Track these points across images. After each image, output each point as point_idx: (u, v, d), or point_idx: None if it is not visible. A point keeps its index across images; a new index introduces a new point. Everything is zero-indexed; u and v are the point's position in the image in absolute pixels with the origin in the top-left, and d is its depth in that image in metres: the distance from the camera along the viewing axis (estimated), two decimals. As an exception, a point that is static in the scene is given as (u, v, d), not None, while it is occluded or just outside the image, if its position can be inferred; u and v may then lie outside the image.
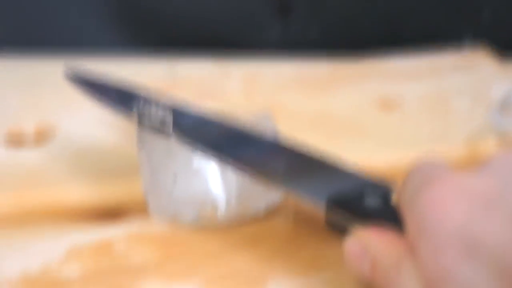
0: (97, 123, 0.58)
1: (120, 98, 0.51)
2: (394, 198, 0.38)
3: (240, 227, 0.44)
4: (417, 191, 0.34)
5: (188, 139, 0.45)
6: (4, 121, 0.59)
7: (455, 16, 0.77)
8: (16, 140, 0.58)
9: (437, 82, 0.64)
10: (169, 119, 0.44)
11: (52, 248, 0.43)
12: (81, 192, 0.50)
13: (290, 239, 0.43)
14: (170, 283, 0.40)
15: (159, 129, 0.45)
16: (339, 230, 0.38)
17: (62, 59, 0.76)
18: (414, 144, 0.54)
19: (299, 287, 0.40)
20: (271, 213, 0.45)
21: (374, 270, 0.35)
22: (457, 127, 0.57)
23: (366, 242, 0.35)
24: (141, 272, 0.41)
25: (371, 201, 0.38)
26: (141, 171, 0.46)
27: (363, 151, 0.53)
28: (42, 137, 0.58)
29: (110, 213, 0.50)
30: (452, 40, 0.75)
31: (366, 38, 0.78)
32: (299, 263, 0.41)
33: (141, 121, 0.45)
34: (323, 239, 0.43)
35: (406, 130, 0.56)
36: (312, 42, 0.78)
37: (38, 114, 0.60)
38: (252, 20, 0.80)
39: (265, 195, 0.44)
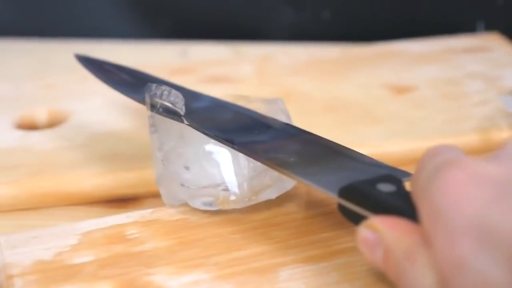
0: (110, 109, 0.58)
1: (132, 82, 0.51)
2: (407, 185, 0.38)
3: (252, 214, 0.44)
4: (432, 177, 0.33)
5: (200, 124, 0.44)
6: (17, 106, 0.60)
7: (468, 2, 0.76)
8: (29, 125, 0.58)
9: (450, 66, 0.64)
10: (181, 103, 0.44)
11: (65, 234, 0.43)
12: (94, 178, 0.50)
13: (302, 225, 0.43)
14: (183, 269, 0.40)
15: (171, 114, 0.45)
16: (352, 218, 0.38)
17: (76, 44, 0.76)
18: (427, 129, 0.54)
19: (312, 273, 0.40)
20: (283, 198, 0.45)
21: (387, 259, 0.35)
22: (470, 112, 0.56)
23: (379, 230, 0.35)
24: (154, 258, 0.41)
25: (384, 189, 0.37)
26: (153, 157, 0.45)
27: (375, 137, 0.53)
28: (55, 122, 0.58)
29: (123, 199, 0.50)
30: (466, 27, 0.74)
31: (378, 24, 0.78)
32: (312, 249, 0.41)
33: (153, 106, 0.45)
34: (336, 225, 0.43)
35: (419, 115, 0.56)
36: (324, 27, 0.78)
37: (52, 99, 0.61)
38: (264, 5, 0.79)
39: (277, 180, 0.44)
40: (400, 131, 0.54)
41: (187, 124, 0.44)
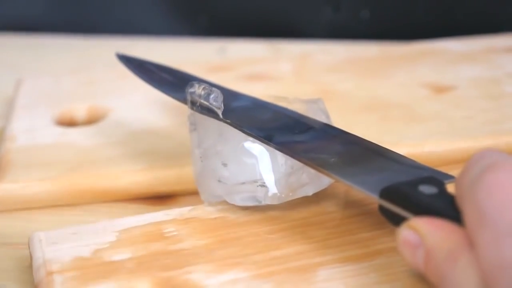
0: (150, 106, 0.58)
1: (172, 81, 0.51)
2: (451, 187, 0.37)
3: (291, 213, 0.44)
4: (477, 180, 0.33)
5: (238, 123, 0.45)
6: (57, 102, 0.60)
7: (509, 2, 0.76)
8: (68, 121, 0.58)
9: (491, 66, 0.63)
10: (220, 102, 0.44)
11: (103, 231, 0.43)
12: (133, 175, 0.50)
13: (341, 225, 0.43)
14: (221, 268, 0.40)
15: (210, 112, 0.45)
16: (393, 219, 0.38)
17: (116, 41, 0.76)
18: (467, 129, 0.53)
19: (350, 273, 0.39)
20: (321, 197, 0.45)
21: (428, 261, 0.34)
22: (511, 112, 0.56)
23: (422, 232, 0.35)
24: (192, 256, 0.41)
25: (426, 191, 0.37)
26: (192, 154, 0.46)
27: (414, 136, 0.53)
28: (94, 118, 0.58)
29: (161, 197, 0.50)
30: (507, 26, 0.74)
31: (417, 23, 0.78)
32: (351, 249, 0.41)
33: (193, 104, 0.45)
34: (375, 225, 0.43)
35: (459, 115, 0.56)
36: (363, 25, 0.78)
37: (91, 96, 0.61)
38: (303, 3, 0.79)
39: (315, 177, 0.44)
40: (440, 131, 0.53)
41: (225, 122, 0.44)
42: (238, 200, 0.44)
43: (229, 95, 0.49)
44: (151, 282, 0.39)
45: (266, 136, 0.44)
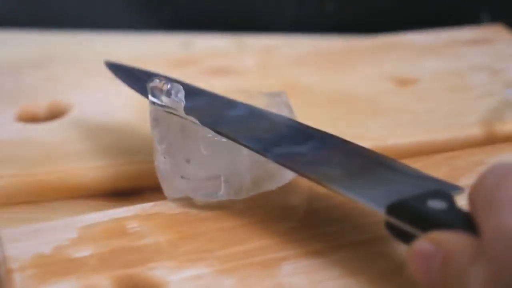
0: (112, 102, 0.57)
1: (139, 77, 0.50)
2: (461, 201, 0.36)
3: (254, 208, 0.44)
4: (494, 191, 0.32)
5: (233, 133, 0.43)
6: (17, 97, 0.59)
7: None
8: (29, 117, 0.57)
9: (454, 58, 0.63)
10: (182, 97, 0.44)
11: (65, 228, 0.43)
12: (95, 171, 0.50)
13: (305, 219, 0.43)
14: (184, 263, 0.40)
15: (171, 108, 0.44)
16: (399, 236, 0.36)
17: (77, 35, 0.76)
18: (431, 121, 0.54)
19: (315, 267, 0.39)
20: (285, 191, 0.45)
21: (445, 268, 0.33)
22: (475, 104, 0.56)
23: (439, 240, 0.33)
24: (155, 252, 0.41)
25: (435, 206, 0.35)
26: (154, 150, 0.45)
27: (379, 129, 0.53)
28: (56, 114, 0.57)
29: (125, 193, 0.50)
30: (470, 18, 0.74)
31: (381, 15, 0.78)
32: (315, 244, 0.41)
33: (154, 97, 0.44)
34: (338, 218, 0.43)
35: (423, 107, 0.56)
36: (327, 19, 0.78)
37: (52, 91, 0.60)
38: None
39: (278, 171, 0.44)
40: (403, 124, 0.53)
41: (188, 119, 0.44)
42: (201, 196, 0.44)
43: (223, 103, 0.48)
44: (113, 278, 0.39)
45: (263, 148, 0.42)
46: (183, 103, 0.44)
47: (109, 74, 0.52)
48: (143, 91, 0.47)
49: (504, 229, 0.31)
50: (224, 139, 0.43)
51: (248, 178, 0.43)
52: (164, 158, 0.44)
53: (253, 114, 0.47)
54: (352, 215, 0.43)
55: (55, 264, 0.40)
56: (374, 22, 0.77)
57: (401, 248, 0.40)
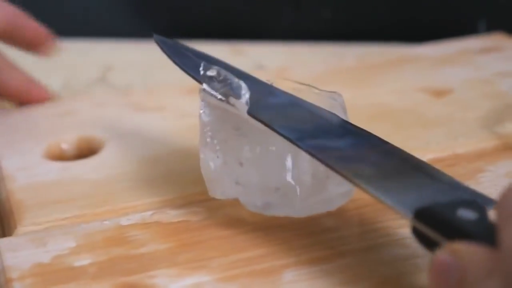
0: (142, 132, 0.56)
1: (197, 64, 0.48)
2: (491, 214, 0.35)
3: (254, 215, 0.43)
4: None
5: (268, 120, 0.41)
6: (40, 134, 0.56)
7: (469, 2, 0.76)
8: (58, 155, 0.54)
9: (475, 67, 0.62)
10: (247, 98, 0.41)
11: (64, 236, 0.42)
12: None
13: (306, 227, 0.42)
14: (184, 271, 0.39)
15: (228, 99, 0.41)
16: (424, 242, 0.36)
17: (77, 45, 0.75)
18: (484, 129, 0.52)
19: (316, 275, 0.39)
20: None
21: (462, 281, 0.32)
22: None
23: (459, 251, 0.33)
24: (155, 261, 0.40)
25: (465, 216, 0.34)
26: (201, 142, 0.42)
27: (440, 140, 0.51)
28: (86, 151, 0.55)
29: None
30: (467, 28, 0.74)
31: (377, 24, 0.78)
32: (316, 251, 0.41)
33: (210, 90, 0.41)
34: (340, 226, 0.42)
35: (471, 116, 0.54)
36: (324, 26, 0.78)
37: (73, 128, 0.57)
38: (264, 4, 0.79)
39: (338, 189, 0.41)
40: (461, 133, 0.52)
41: (245, 118, 0.41)
42: (253, 207, 0.41)
43: (265, 90, 0.45)
44: (113, 287, 0.39)
45: (298, 137, 0.40)
46: (247, 105, 0.41)
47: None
48: (184, 66, 0.45)
49: None
50: (286, 147, 0.40)
51: (307, 195, 0.40)
52: (217, 156, 0.41)
53: (294, 104, 0.44)
54: (354, 222, 0.43)
55: (55, 273, 0.40)
56: (371, 30, 0.77)
57: (402, 255, 0.40)
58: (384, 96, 0.59)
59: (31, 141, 0.55)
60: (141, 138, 0.54)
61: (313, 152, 0.40)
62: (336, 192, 0.41)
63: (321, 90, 0.44)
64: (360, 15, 0.78)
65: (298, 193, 0.40)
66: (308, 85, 0.44)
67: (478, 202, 0.36)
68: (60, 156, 0.54)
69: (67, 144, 0.54)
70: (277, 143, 0.40)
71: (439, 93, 0.58)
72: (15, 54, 0.61)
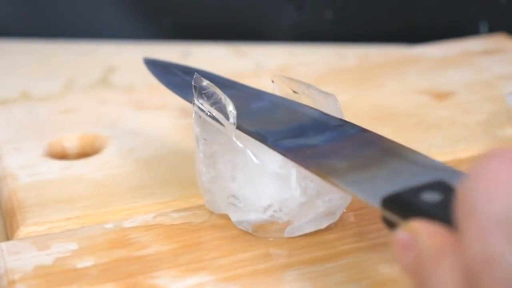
0: (143, 130, 0.56)
1: (185, 83, 0.47)
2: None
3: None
4: (470, 172, 0.31)
5: (251, 126, 0.42)
6: (41, 133, 0.56)
7: (470, 3, 0.76)
8: (60, 154, 0.54)
9: (476, 69, 0.63)
10: (234, 118, 0.41)
11: (66, 238, 0.43)
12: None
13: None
14: (186, 272, 0.40)
15: (220, 124, 0.41)
16: (394, 229, 0.35)
17: (80, 46, 0.76)
18: (486, 133, 0.53)
19: (318, 274, 0.39)
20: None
21: (417, 262, 0.32)
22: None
23: (415, 232, 0.33)
24: (157, 262, 0.40)
25: (429, 198, 0.34)
26: (197, 160, 0.43)
27: (443, 144, 0.51)
28: (89, 149, 0.54)
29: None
30: (468, 28, 0.74)
31: (379, 25, 0.78)
32: (318, 250, 0.41)
33: (201, 105, 0.42)
34: (341, 226, 0.42)
35: (473, 119, 0.54)
36: (326, 27, 0.78)
37: (76, 125, 0.57)
38: (266, 5, 0.79)
39: (329, 207, 0.41)
40: (462, 137, 0.52)
41: (236, 142, 0.41)
42: (246, 226, 0.42)
43: (249, 95, 0.45)
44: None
45: (274, 140, 0.41)
46: (234, 124, 0.40)
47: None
48: (171, 85, 0.45)
49: (492, 252, 0.30)
50: (276, 167, 0.40)
51: (297, 215, 0.41)
52: (209, 170, 0.42)
53: (277, 105, 0.45)
54: (355, 221, 0.43)
55: (57, 275, 0.40)
56: (372, 31, 0.77)
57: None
58: (385, 98, 0.59)
59: (33, 139, 0.55)
60: (144, 137, 0.54)
61: (285, 154, 0.40)
62: (326, 211, 0.41)
63: (320, 91, 0.44)
64: (361, 16, 0.78)
65: (287, 215, 0.41)
66: (308, 84, 0.44)
67: (445, 183, 0.35)
68: (62, 155, 0.54)
69: (69, 143, 0.55)
70: (272, 157, 0.40)
71: (441, 96, 0.58)
72: (18, 54, 0.61)
